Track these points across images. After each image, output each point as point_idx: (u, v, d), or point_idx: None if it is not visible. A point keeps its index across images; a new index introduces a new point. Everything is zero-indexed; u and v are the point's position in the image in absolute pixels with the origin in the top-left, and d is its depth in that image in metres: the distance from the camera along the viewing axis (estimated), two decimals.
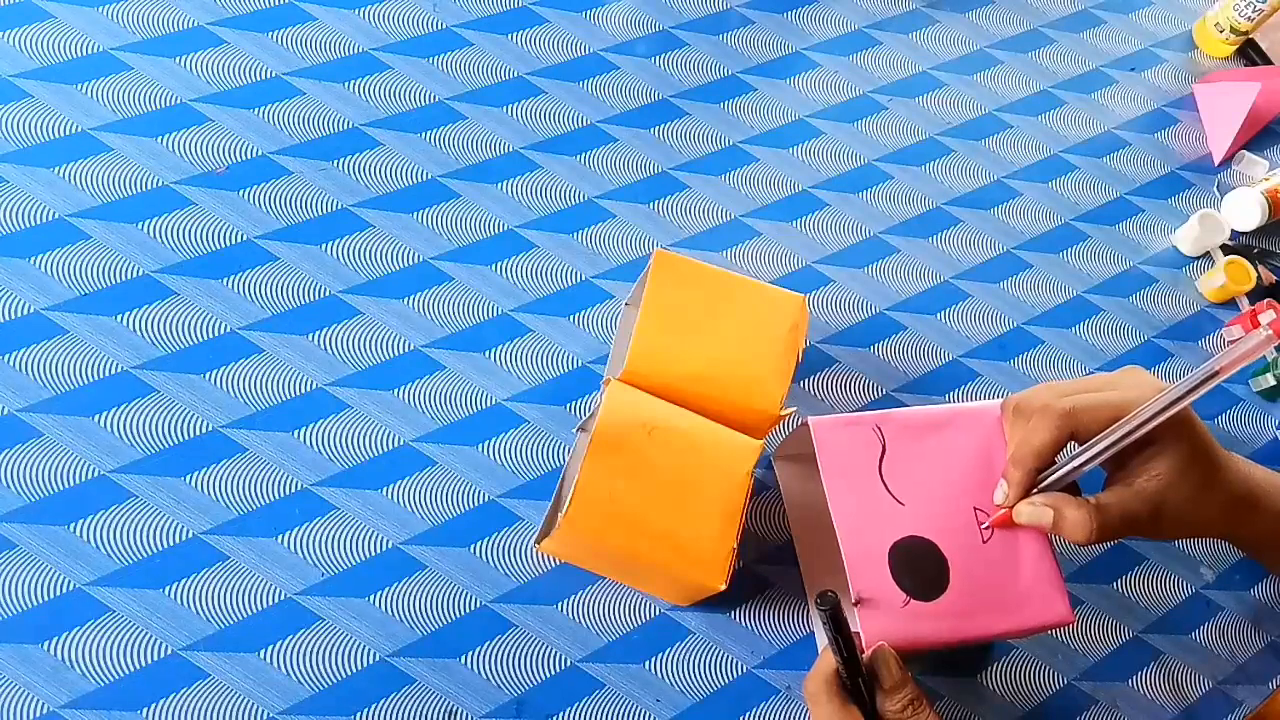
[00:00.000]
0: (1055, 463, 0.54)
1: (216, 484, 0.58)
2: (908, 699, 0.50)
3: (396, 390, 0.63)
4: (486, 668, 0.57)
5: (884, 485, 0.56)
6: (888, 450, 0.56)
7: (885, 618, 0.53)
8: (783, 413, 0.58)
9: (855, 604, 0.53)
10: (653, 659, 0.60)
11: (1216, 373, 0.48)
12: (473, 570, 0.59)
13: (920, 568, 0.54)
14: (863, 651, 0.51)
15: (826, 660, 0.51)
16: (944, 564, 0.54)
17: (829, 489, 0.55)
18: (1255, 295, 0.82)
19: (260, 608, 0.56)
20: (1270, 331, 0.47)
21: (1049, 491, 0.54)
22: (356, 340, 0.63)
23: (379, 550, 0.59)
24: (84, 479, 0.56)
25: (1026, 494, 0.54)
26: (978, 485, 0.56)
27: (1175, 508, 0.52)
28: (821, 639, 0.62)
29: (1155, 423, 0.50)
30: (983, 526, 0.55)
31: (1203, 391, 0.49)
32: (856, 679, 0.50)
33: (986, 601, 0.54)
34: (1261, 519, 0.56)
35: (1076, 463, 0.52)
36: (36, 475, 0.56)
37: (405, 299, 0.66)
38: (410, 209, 0.68)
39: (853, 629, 0.52)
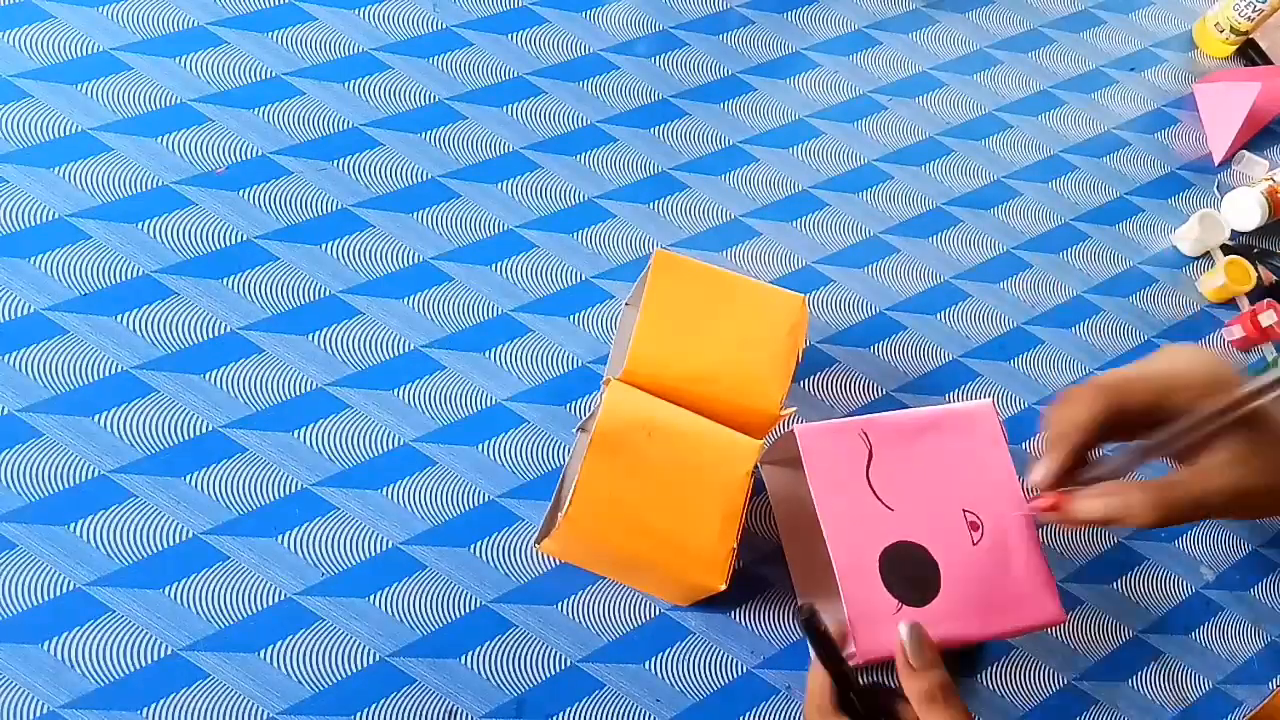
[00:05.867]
0: (1097, 453, 0.51)
1: (216, 484, 0.58)
2: (936, 682, 0.49)
3: (397, 390, 0.63)
4: (487, 668, 0.57)
5: (872, 491, 0.55)
6: (874, 455, 0.56)
7: (879, 627, 0.52)
8: (783, 413, 0.58)
9: (848, 615, 0.52)
10: (653, 659, 0.60)
11: (1272, 383, 0.45)
12: (473, 570, 0.59)
13: (911, 573, 0.54)
14: (854, 662, 0.51)
15: (816, 679, 0.51)
16: (934, 568, 0.54)
17: (817, 498, 0.55)
18: (1255, 295, 0.82)
19: (260, 608, 0.56)
20: None
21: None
22: (357, 340, 0.63)
23: (379, 550, 0.59)
24: (84, 479, 0.56)
25: (1065, 472, 0.50)
26: (966, 487, 0.56)
27: (1251, 483, 0.48)
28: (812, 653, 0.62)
29: (1222, 420, 0.47)
30: (1023, 511, 0.54)
31: (1274, 394, 0.45)
32: (847, 692, 0.50)
33: (978, 604, 0.54)
34: None
35: (1130, 453, 0.49)
36: (36, 475, 0.56)
37: (405, 299, 0.66)
38: (410, 209, 0.68)
39: (848, 640, 0.52)
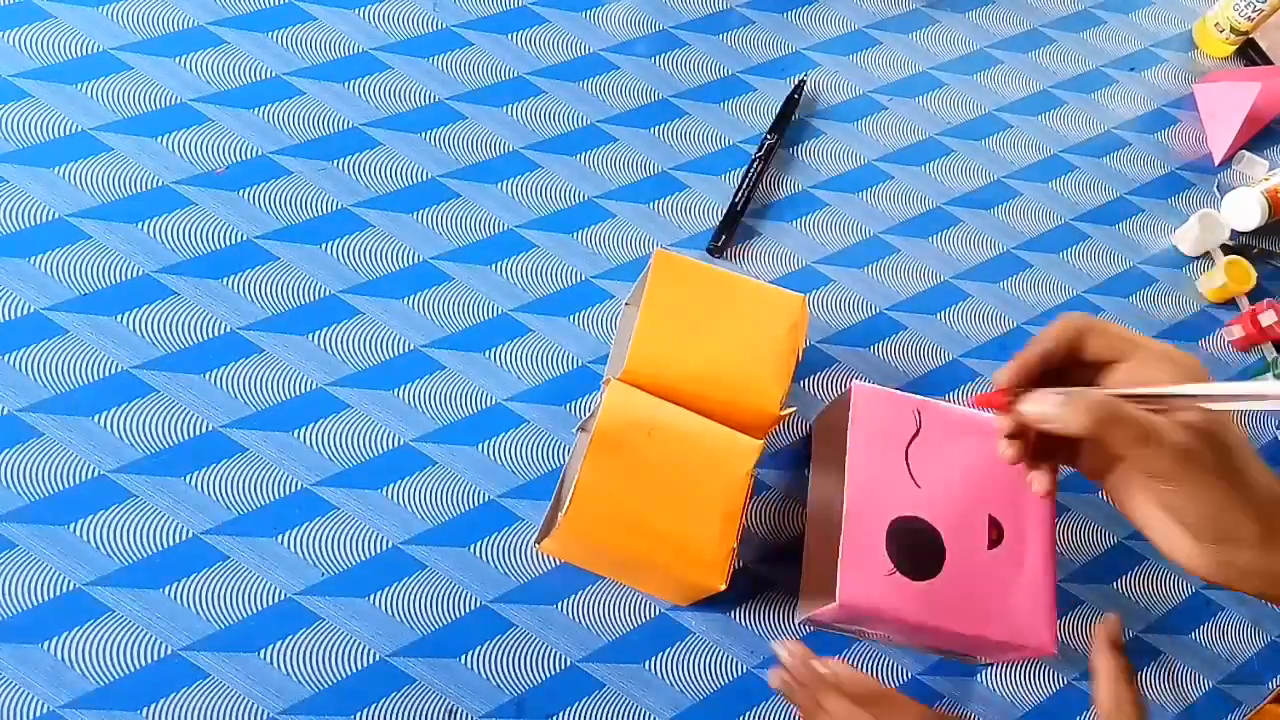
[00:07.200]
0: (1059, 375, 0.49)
1: (216, 484, 0.58)
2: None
3: (396, 390, 0.63)
4: (486, 667, 0.57)
5: (906, 463, 0.56)
6: (921, 434, 0.57)
7: (866, 578, 0.53)
8: (783, 413, 0.58)
9: (842, 558, 0.53)
10: (653, 659, 0.60)
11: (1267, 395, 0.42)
12: (473, 570, 0.59)
13: (916, 549, 0.54)
14: (831, 612, 0.53)
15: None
16: (941, 554, 0.54)
17: (850, 448, 0.55)
18: (1255, 295, 0.82)
19: (260, 607, 0.56)
20: None
21: None
22: (356, 340, 0.63)
23: (379, 550, 0.59)
24: (84, 479, 0.56)
25: (1021, 375, 0.48)
26: (999, 497, 0.56)
27: (1204, 461, 0.44)
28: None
29: (1191, 405, 0.44)
30: (972, 401, 0.55)
31: (1250, 404, 0.43)
32: None
33: (972, 603, 0.54)
34: None
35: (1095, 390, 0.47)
36: (36, 475, 0.56)
37: (405, 299, 0.65)
38: (410, 209, 0.68)
39: (834, 590, 0.53)
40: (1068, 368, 0.49)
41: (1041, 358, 0.48)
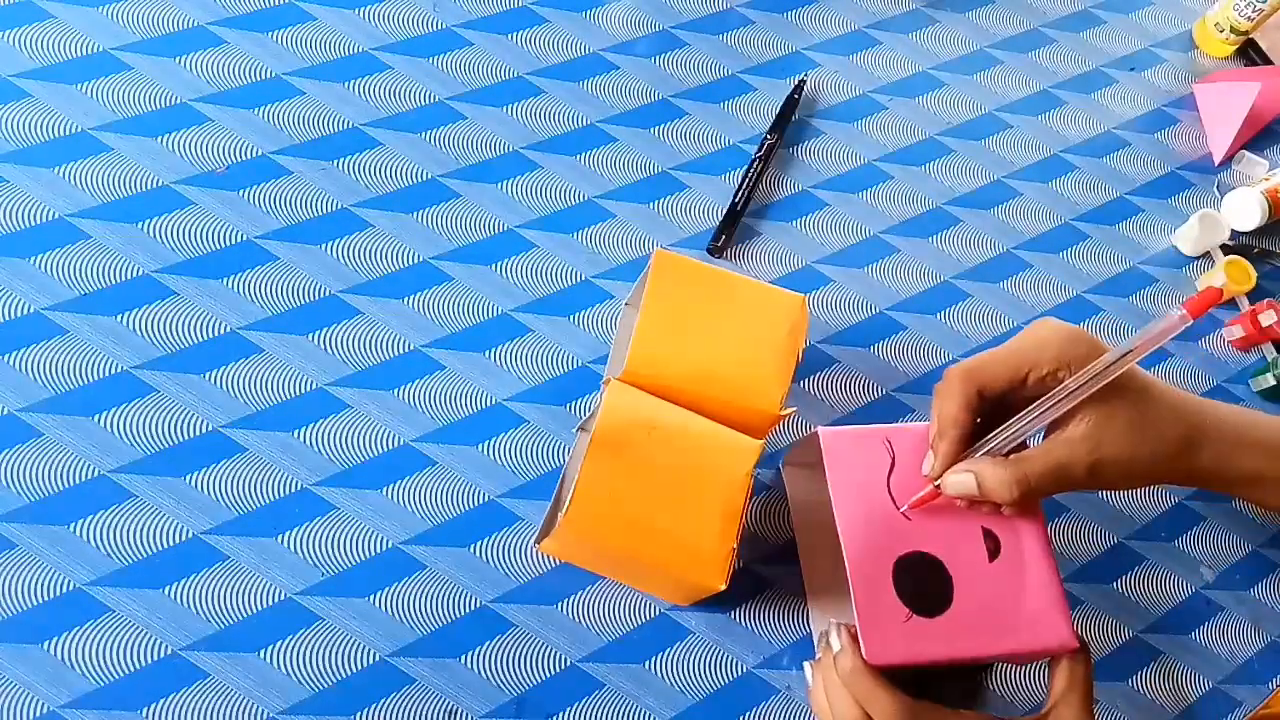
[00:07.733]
0: (985, 433, 0.54)
1: (216, 484, 0.58)
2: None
3: (396, 390, 0.63)
4: (486, 667, 0.57)
5: (891, 499, 0.55)
6: (897, 464, 0.56)
7: (887, 634, 0.52)
8: (783, 413, 0.58)
9: (858, 619, 0.52)
10: (653, 659, 0.60)
11: (1130, 352, 0.49)
12: (473, 570, 0.59)
13: (924, 583, 0.54)
14: None
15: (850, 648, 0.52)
16: (948, 581, 0.54)
17: (835, 501, 0.54)
18: (1255, 295, 0.82)
19: (260, 607, 0.56)
20: (1184, 311, 0.48)
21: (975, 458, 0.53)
22: (356, 340, 0.63)
23: (379, 550, 0.59)
24: (84, 479, 0.56)
25: (952, 463, 0.53)
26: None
27: (1113, 450, 0.51)
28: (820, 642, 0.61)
29: (1076, 399, 0.50)
30: (902, 509, 0.55)
31: (1117, 372, 0.49)
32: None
33: (990, 621, 0.54)
34: (1211, 452, 0.53)
35: (1003, 436, 0.52)
36: (36, 475, 0.56)
37: (405, 299, 0.66)
38: (410, 209, 0.68)
39: (857, 643, 0.52)
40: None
41: (962, 442, 0.53)
